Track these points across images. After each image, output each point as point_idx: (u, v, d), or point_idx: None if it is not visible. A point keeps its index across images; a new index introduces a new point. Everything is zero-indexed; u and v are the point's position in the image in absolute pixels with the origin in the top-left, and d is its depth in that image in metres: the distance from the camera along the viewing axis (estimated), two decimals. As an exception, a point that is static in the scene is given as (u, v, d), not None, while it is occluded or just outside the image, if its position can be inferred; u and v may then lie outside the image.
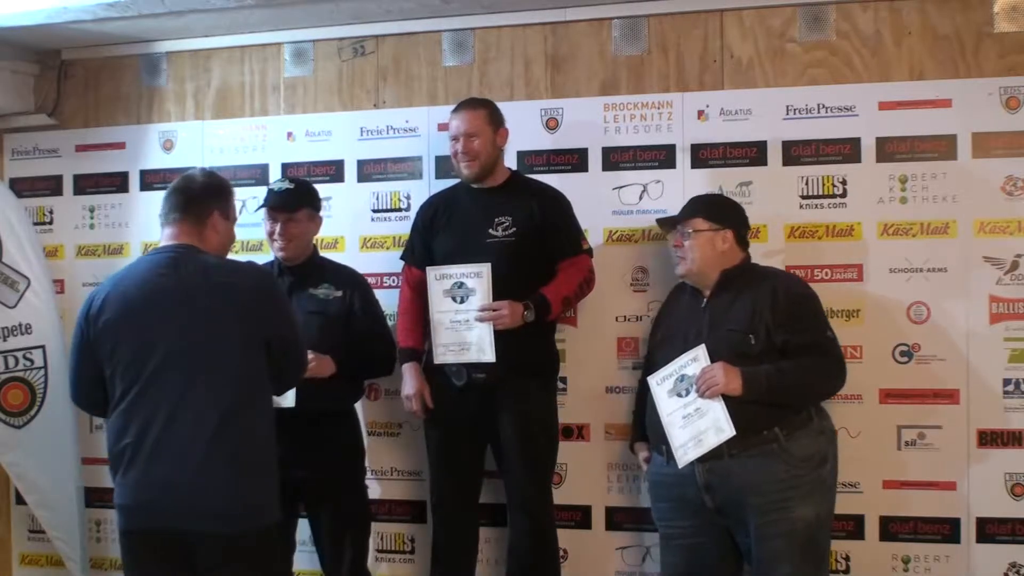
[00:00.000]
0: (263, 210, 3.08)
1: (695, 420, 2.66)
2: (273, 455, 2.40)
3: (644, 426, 2.90)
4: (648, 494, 2.98)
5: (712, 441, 2.62)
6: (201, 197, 2.44)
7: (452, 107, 3.17)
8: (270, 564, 2.39)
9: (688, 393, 2.68)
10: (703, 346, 2.68)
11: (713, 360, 2.65)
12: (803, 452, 2.63)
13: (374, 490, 3.43)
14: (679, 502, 2.75)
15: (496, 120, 3.08)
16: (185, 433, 2.26)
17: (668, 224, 2.94)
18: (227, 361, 2.30)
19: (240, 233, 3.62)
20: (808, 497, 2.62)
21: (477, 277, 2.96)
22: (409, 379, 3.09)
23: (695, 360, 2.68)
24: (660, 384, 2.75)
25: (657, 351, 2.90)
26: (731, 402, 2.61)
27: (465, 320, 2.96)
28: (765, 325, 2.66)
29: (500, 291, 2.95)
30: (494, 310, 2.93)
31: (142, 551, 2.33)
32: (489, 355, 2.94)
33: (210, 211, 2.43)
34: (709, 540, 2.74)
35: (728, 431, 2.60)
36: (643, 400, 2.95)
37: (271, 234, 3.06)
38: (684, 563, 2.79)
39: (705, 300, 2.80)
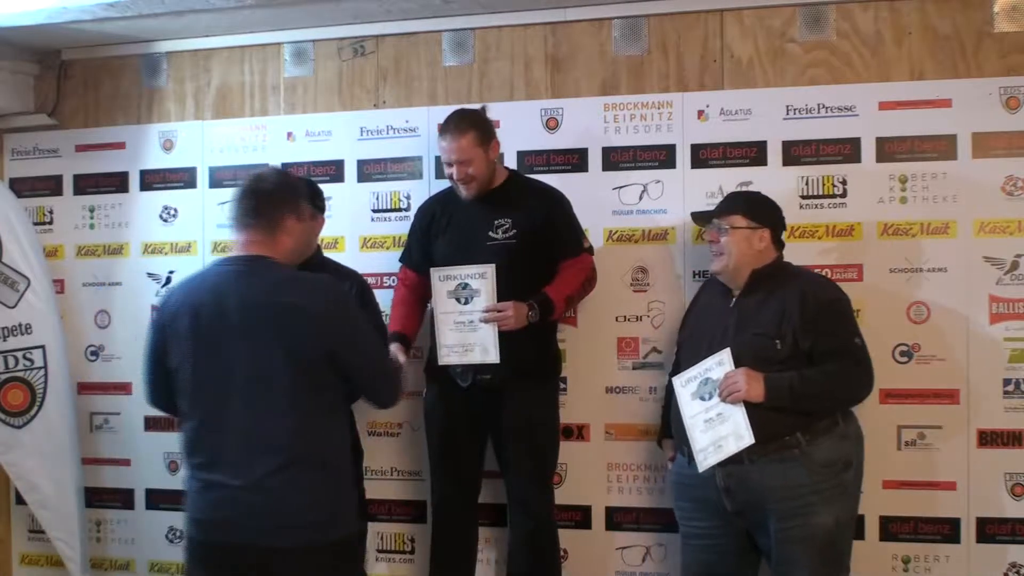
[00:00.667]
0: None
1: (716, 425, 2.64)
2: (346, 468, 2.39)
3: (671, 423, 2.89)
4: (671, 492, 2.97)
5: (731, 448, 2.60)
6: (273, 202, 2.37)
7: (452, 108, 3.17)
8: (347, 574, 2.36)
9: (711, 397, 2.66)
10: (728, 350, 2.65)
11: (738, 364, 2.63)
12: (825, 458, 2.61)
13: (374, 490, 3.43)
14: (700, 503, 2.75)
15: (486, 137, 3.01)
16: (255, 451, 2.23)
17: (703, 218, 2.90)
18: (291, 381, 2.25)
19: (240, 233, 3.66)
20: (829, 503, 2.60)
21: (482, 278, 2.95)
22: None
23: (720, 364, 2.66)
24: (684, 386, 2.74)
25: (683, 349, 2.90)
26: (753, 408, 2.59)
27: (469, 321, 2.95)
28: (792, 329, 2.63)
29: (502, 292, 2.94)
30: (499, 311, 2.92)
31: (211, 564, 2.31)
32: (493, 356, 2.93)
33: (282, 217, 2.36)
34: (728, 541, 2.73)
35: (747, 439, 2.58)
36: (670, 396, 2.93)
37: None
38: (703, 563, 2.79)
39: (734, 299, 2.78)
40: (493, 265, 2.94)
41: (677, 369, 2.85)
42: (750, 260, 2.76)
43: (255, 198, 2.36)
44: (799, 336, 2.63)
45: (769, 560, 2.71)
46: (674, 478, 2.90)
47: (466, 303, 2.97)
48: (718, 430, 2.63)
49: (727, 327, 2.73)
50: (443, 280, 3.00)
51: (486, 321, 2.93)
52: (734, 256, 2.75)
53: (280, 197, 2.38)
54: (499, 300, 2.93)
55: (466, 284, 2.97)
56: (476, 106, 3.20)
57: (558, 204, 3.10)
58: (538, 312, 2.94)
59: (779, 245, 2.84)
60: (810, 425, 2.61)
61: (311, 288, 2.34)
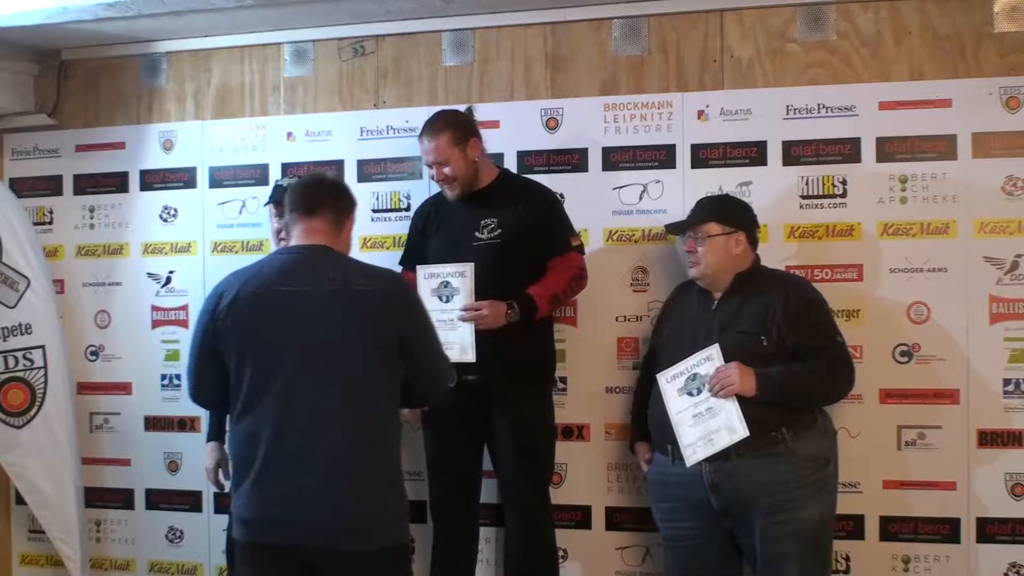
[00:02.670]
0: (269, 208, 3.06)
1: (706, 419, 2.65)
2: (401, 473, 2.36)
3: (643, 426, 2.90)
4: (649, 494, 2.97)
5: (724, 441, 2.62)
6: (342, 195, 2.40)
7: (451, 108, 3.17)
8: None
9: (700, 392, 2.67)
10: (717, 346, 2.68)
11: (726, 360, 2.65)
12: (809, 453, 2.64)
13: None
14: (683, 503, 2.75)
15: (462, 136, 3.00)
16: (318, 448, 2.18)
17: (678, 229, 2.92)
18: (361, 375, 2.23)
19: (239, 233, 3.67)
20: (813, 498, 2.62)
21: (461, 276, 2.94)
22: None
23: (708, 359, 2.68)
24: (670, 382, 2.74)
25: (662, 350, 2.90)
26: (742, 403, 2.61)
27: (449, 320, 2.94)
28: (777, 327, 2.66)
29: (489, 293, 2.93)
30: (475, 310, 2.92)
31: (261, 564, 2.24)
32: (470, 355, 2.91)
33: (349, 214, 2.40)
34: (711, 541, 2.74)
35: (741, 432, 2.60)
36: (642, 399, 2.94)
37: (279, 231, 3.03)
38: (686, 564, 2.79)
39: (715, 302, 2.80)
40: (472, 264, 2.92)
41: (652, 371, 2.85)
42: (729, 265, 2.79)
43: (325, 187, 2.37)
44: (784, 333, 2.66)
45: (752, 563, 2.72)
46: (654, 478, 2.89)
47: (447, 301, 2.96)
48: (708, 424, 2.64)
49: (710, 327, 2.75)
50: (427, 278, 2.99)
51: (464, 320, 2.93)
52: (712, 264, 2.78)
53: (347, 194, 2.42)
54: (484, 300, 2.92)
55: (447, 282, 2.96)
56: (462, 107, 3.19)
57: (545, 202, 3.09)
58: (518, 311, 2.92)
59: (755, 245, 2.86)
60: (794, 421, 2.63)
61: (384, 277, 2.35)
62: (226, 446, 2.30)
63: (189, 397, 2.47)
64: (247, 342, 2.23)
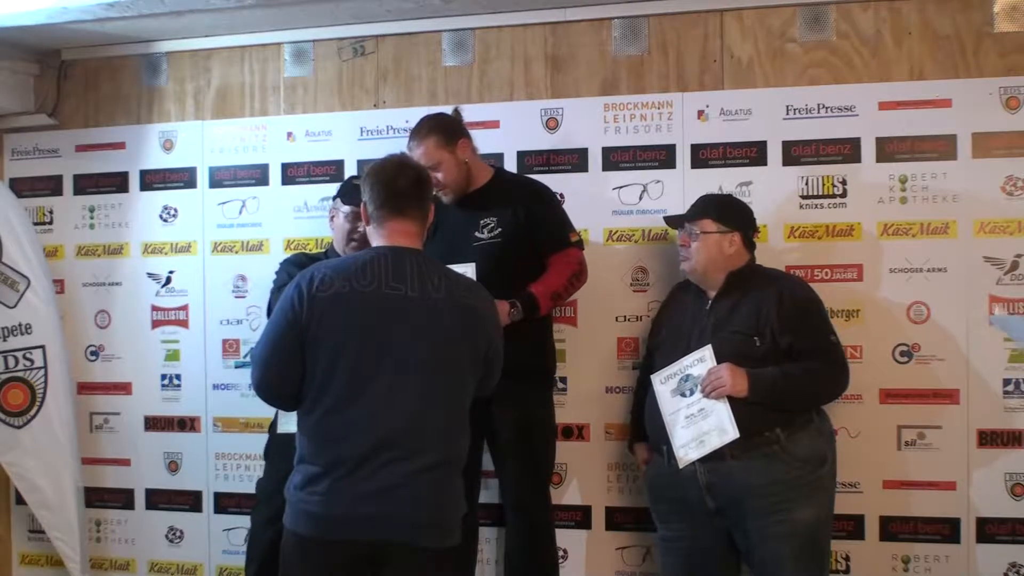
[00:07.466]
0: (348, 209, 3.01)
1: (698, 421, 2.66)
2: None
3: (642, 426, 2.90)
4: (647, 494, 2.97)
5: (715, 443, 2.62)
6: (428, 194, 2.37)
7: (449, 109, 3.16)
8: None
9: (692, 393, 2.68)
10: (709, 347, 2.68)
11: (718, 361, 2.66)
12: (804, 453, 2.63)
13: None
14: (679, 503, 2.75)
15: (450, 139, 2.96)
16: (420, 449, 2.19)
17: (676, 222, 2.93)
18: (459, 381, 2.27)
19: (239, 233, 3.67)
20: (808, 498, 2.62)
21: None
22: None
23: (701, 360, 2.68)
24: (664, 383, 2.75)
25: (658, 351, 2.90)
26: (735, 403, 2.62)
27: None
28: (770, 328, 2.66)
29: (491, 292, 2.87)
30: None
31: (326, 560, 2.19)
32: None
33: (431, 207, 2.37)
34: (709, 542, 2.74)
35: (732, 433, 2.60)
36: (641, 400, 2.95)
37: (351, 231, 3.00)
38: (684, 565, 2.79)
39: (710, 302, 2.80)
40: (473, 264, 2.90)
41: (650, 372, 2.85)
42: (721, 264, 2.78)
43: (421, 185, 2.33)
44: (777, 334, 2.66)
45: (750, 562, 2.72)
46: (650, 479, 2.90)
47: None
48: (700, 425, 2.65)
49: (704, 328, 2.75)
50: None
51: None
52: (703, 261, 2.79)
53: (431, 190, 2.41)
54: None
55: None
56: (448, 108, 3.16)
57: (540, 198, 3.07)
58: (521, 310, 2.90)
59: (751, 247, 2.86)
60: (789, 421, 2.63)
61: (480, 291, 2.39)
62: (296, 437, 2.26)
63: (254, 390, 2.31)
64: (347, 339, 2.18)
